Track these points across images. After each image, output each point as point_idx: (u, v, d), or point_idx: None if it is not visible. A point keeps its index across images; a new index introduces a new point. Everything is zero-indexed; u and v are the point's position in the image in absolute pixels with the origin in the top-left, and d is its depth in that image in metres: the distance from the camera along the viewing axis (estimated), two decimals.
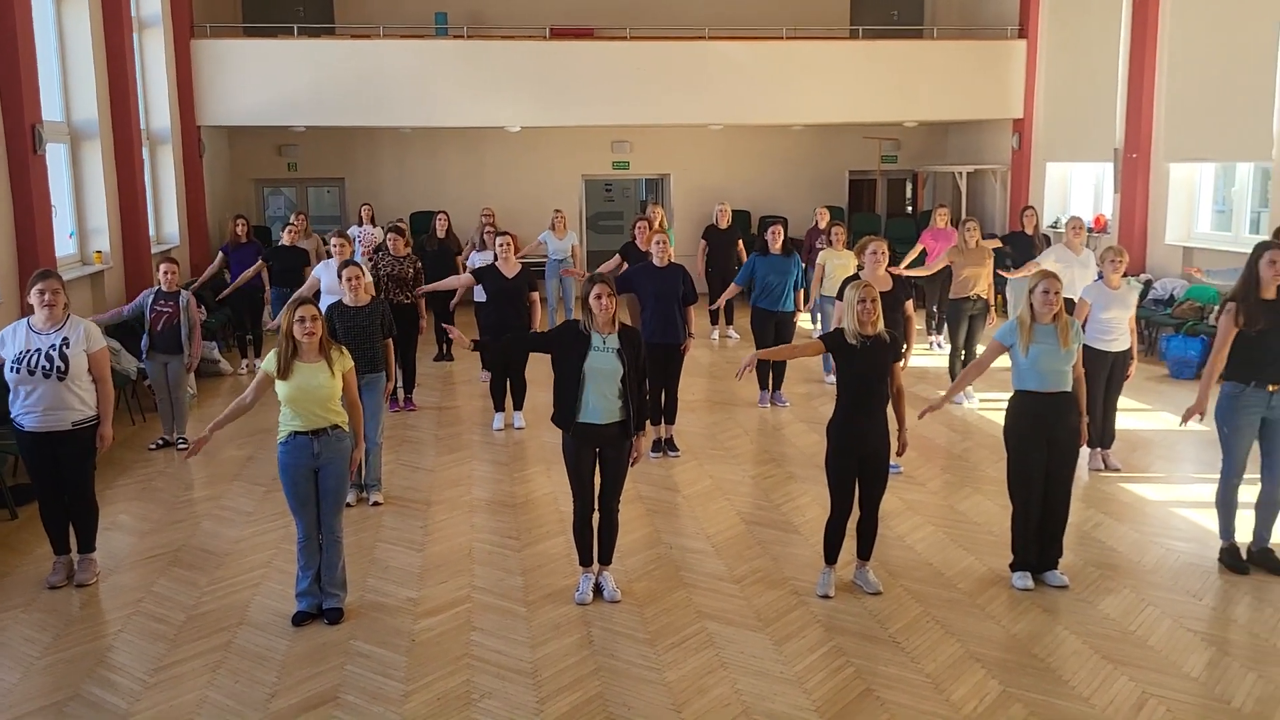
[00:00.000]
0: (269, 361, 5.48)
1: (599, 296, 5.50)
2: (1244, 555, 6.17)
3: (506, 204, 17.13)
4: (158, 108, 13.98)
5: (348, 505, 7.10)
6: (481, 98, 15.26)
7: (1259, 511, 6.14)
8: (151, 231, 13.31)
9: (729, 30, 16.28)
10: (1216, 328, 6.16)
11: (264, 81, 14.81)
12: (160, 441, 9.05)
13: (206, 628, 5.59)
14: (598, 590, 5.89)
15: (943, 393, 6.62)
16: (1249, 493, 6.19)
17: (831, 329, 5.92)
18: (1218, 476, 6.26)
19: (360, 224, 13.98)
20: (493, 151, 17.83)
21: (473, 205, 16.48)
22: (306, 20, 16.13)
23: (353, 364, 5.68)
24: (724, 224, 13.38)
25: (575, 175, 18.14)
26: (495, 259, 9.28)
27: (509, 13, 17.15)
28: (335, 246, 9.19)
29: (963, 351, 10.15)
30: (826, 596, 5.84)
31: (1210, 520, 6.50)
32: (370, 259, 10.35)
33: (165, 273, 8.86)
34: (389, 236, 10.21)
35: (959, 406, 10.07)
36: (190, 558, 6.59)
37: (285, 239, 11.78)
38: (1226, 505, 6.20)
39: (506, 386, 9.51)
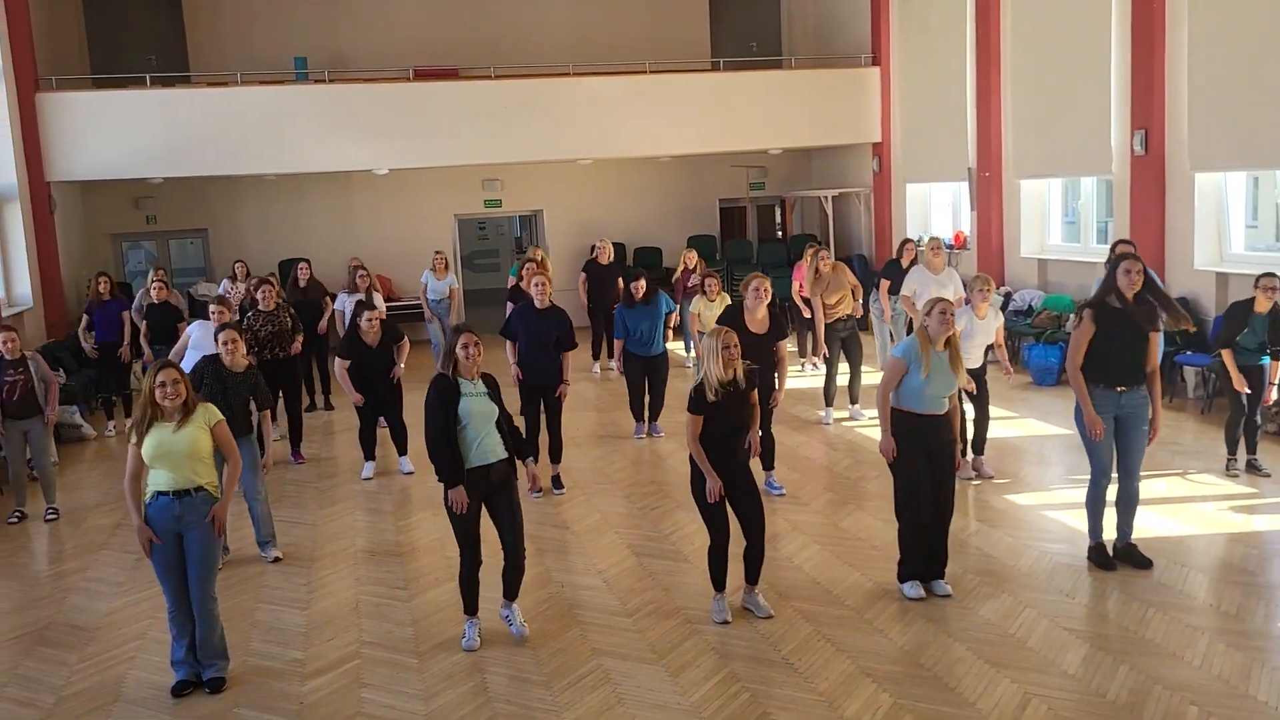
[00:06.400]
0: (131, 435, 5.35)
1: (465, 346, 5.62)
2: (1110, 552, 6.46)
3: (378, 247, 16.93)
4: (2, 165, 13.37)
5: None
6: (346, 141, 15.06)
7: (1119, 508, 6.44)
8: (0, 293, 12.69)
9: (592, 65, 16.44)
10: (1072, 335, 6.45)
11: (116, 134, 14.31)
12: (19, 515, 8.58)
13: (79, 708, 5.32)
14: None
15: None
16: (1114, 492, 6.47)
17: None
18: (1084, 478, 6.54)
19: (234, 279, 13.49)
20: (361, 195, 17.59)
21: (342, 251, 16.25)
22: (159, 69, 15.66)
23: (221, 416, 5.55)
24: (605, 260, 13.47)
25: (447, 215, 18.02)
26: (360, 325, 9.10)
27: (371, 55, 17.00)
28: (215, 314, 8.75)
29: (842, 371, 10.45)
30: (725, 622, 5.88)
31: (1077, 520, 6.77)
32: (244, 322, 10.04)
33: (4, 341, 8.43)
34: (261, 290, 10.01)
35: (830, 426, 10.30)
36: (58, 635, 6.27)
37: (155, 296, 11.34)
38: (1095, 505, 6.46)
39: (375, 435, 9.46)
